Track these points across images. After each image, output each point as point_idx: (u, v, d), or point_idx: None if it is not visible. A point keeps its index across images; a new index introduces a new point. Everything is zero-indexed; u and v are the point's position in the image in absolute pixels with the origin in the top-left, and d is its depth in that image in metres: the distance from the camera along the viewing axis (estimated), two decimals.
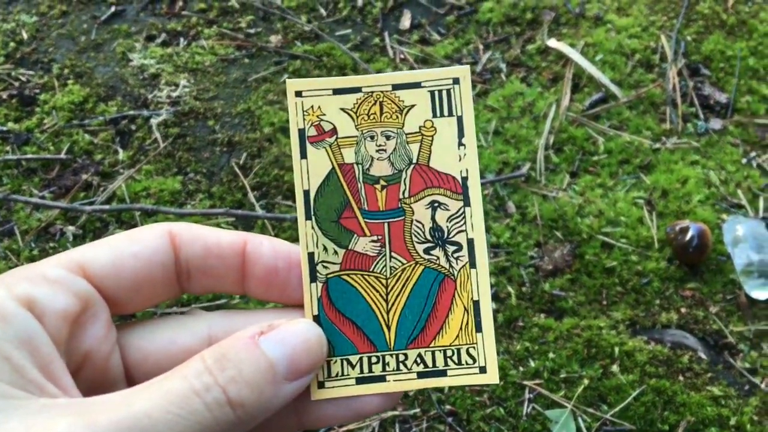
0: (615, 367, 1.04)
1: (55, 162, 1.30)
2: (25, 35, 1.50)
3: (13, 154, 1.31)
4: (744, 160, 1.28)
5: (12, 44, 1.48)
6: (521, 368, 1.04)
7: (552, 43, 1.44)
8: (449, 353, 0.45)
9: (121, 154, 1.31)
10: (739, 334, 1.08)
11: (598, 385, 1.02)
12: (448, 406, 1.01)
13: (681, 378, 1.03)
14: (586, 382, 1.02)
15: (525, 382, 1.03)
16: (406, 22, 1.53)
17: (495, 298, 1.12)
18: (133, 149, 1.32)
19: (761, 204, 1.22)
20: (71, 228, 1.21)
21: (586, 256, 1.15)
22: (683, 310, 1.10)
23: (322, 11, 1.55)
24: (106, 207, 1.20)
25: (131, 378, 0.44)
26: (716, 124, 1.34)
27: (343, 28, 1.52)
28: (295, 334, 0.41)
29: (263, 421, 0.44)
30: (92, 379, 0.42)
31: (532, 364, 1.05)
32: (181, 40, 1.50)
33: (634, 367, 1.04)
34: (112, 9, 1.55)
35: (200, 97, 1.40)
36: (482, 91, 1.40)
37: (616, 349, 1.05)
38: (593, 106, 1.36)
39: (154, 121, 1.35)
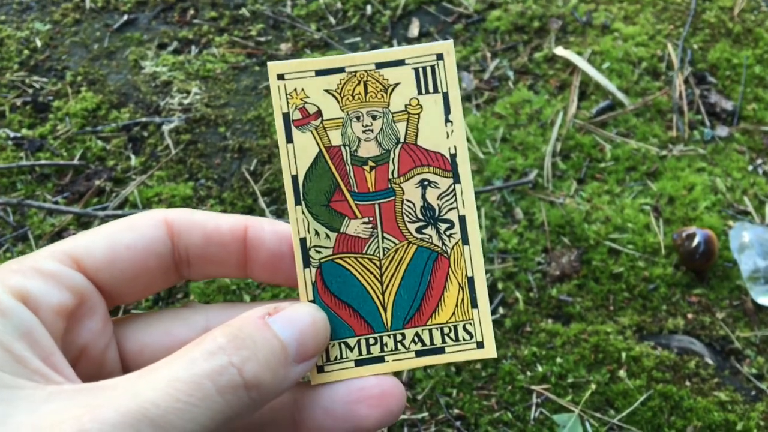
0: (622, 372, 1.04)
1: (69, 168, 1.32)
2: (38, 43, 1.52)
3: (27, 160, 1.33)
4: (750, 167, 1.29)
5: (26, 52, 1.51)
6: (529, 373, 1.05)
7: (559, 51, 1.46)
8: (446, 330, 0.44)
9: (134, 160, 1.33)
10: (745, 340, 1.09)
11: (605, 390, 1.03)
12: (456, 410, 1.02)
13: (688, 383, 1.04)
14: (593, 387, 1.03)
15: (533, 387, 1.04)
16: (414, 30, 1.55)
17: (503, 303, 1.13)
18: (145, 155, 1.34)
19: (767, 211, 1.23)
20: None
21: (593, 261, 1.16)
22: (690, 315, 1.11)
23: (332, 19, 1.56)
24: (119, 212, 1.22)
25: (128, 370, 0.42)
26: (722, 131, 1.35)
27: (352, 36, 1.53)
28: (302, 316, 0.41)
29: (261, 428, 0.43)
30: (89, 373, 0.41)
31: (540, 368, 1.05)
32: (193, 48, 1.52)
33: (641, 372, 1.04)
34: (125, 17, 1.57)
35: (211, 104, 1.41)
36: (490, 99, 1.41)
37: (623, 355, 1.06)
38: (600, 114, 1.37)
39: (165, 128, 1.37)
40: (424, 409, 1.03)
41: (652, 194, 1.25)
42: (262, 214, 1.24)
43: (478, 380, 1.05)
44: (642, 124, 1.35)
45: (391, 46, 1.51)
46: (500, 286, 1.14)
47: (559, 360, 1.06)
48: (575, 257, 1.17)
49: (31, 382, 0.35)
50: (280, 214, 1.25)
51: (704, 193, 1.24)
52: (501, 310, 1.12)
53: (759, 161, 1.30)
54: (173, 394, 0.34)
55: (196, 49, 1.52)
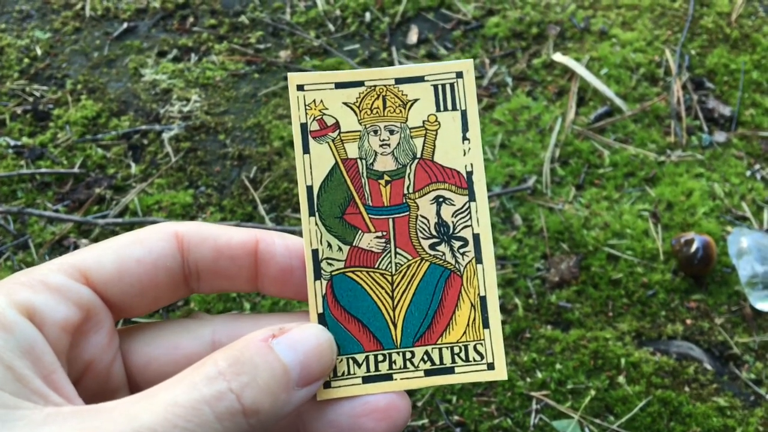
0: (621, 378, 1.05)
1: (69, 176, 1.32)
2: (39, 51, 1.53)
3: (28, 168, 1.33)
4: (748, 173, 1.30)
5: (26, 60, 1.51)
6: (528, 379, 1.06)
7: (557, 57, 1.46)
8: (457, 350, 0.44)
9: (134, 168, 1.33)
10: (744, 346, 1.09)
11: (604, 396, 1.03)
12: (456, 417, 1.03)
13: (687, 389, 1.04)
14: (592, 393, 1.03)
15: (532, 393, 1.04)
16: (413, 36, 1.55)
17: (502, 309, 1.13)
18: (145, 163, 1.34)
19: (765, 216, 1.23)
20: (84, 241, 1.23)
21: (592, 267, 1.16)
22: (689, 321, 1.11)
23: (331, 27, 1.57)
24: (119, 220, 1.22)
25: (134, 383, 0.43)
26: (720, 137, 1.35)
27: (351, 43, 1.54)
28: (307, 338, 0.40)
29: None
30: (94, 387, 0.41)
31: (539, 375, 1.06)
32: (192, 55, 1.52)
33: (640, 378, 1.05)
34: (125, 25, 1.57)
35: (211, 112, 1.42)
36: (488, 105, 1.42)
37: (623, 360, 1.06)
38: (598, 120, 1.38)
39: (165, 136, 1.38)
40: (424, 416, 1.03)
41: (650, 200, 1.26)
42: (261, 221, 1.25)
43: (477, 387, 1.05)
44: (640, 130, 1.36)
45: (390, 53, 1.51)
46: (499, 292, 1.15)
47: (558, 366, 1.06)
48: (574, 263, 1.17)
49: (30, 403, 0.34)
50: (280, 221, 1.25)
51: (702, 199, 1.25)
52: (500, 316, 1.12)
53: (757, 167, 1.31)
54: (171, 420, 0.33)
55: (196, 56, 1.52)
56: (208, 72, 1.48)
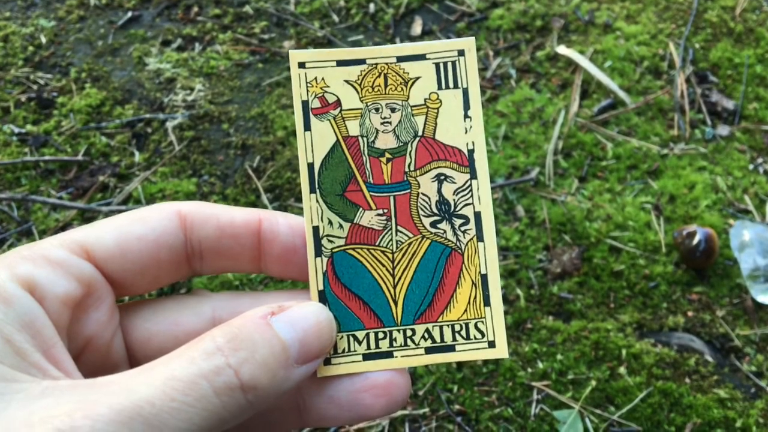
0: (622, 369, 1.05)
1: (73, 164, 1.33)
2: (43, 39, 1.53)
3: (32, 156, 1.34)
4: (751, 166, 1.30)
5: (31, 48, 1.51)
6: (529, 369, 1.06)
7: (561, 49, 1.46)
8: (457, 328, 0.43)
9: (137, 157, 1.34)
10: (745, 338, 1.09)
11: (605, 386, 1.04)
12: (457, 406, 1.03)
13: (687, 380, 1.04)
14: (593, 383, 1.04)
15: (533, 383, 1.04)
16: (417, 28, 1.55)
17: (504, 300, 1.14)
18: (149, 152, 1.34)
19: None
20: None
21: (594, 259, 1.17)
22: (690, 313, 1.12)
23: (335, 17, 1.57)
24: (123, 208, 1.22)
25: (134, 359, 0.43)
26: (723, 130, 1.35)
27: (355, 34, 1.54)
28: (306, 316, 0.40)
29: (265, 417, 0.42)
30: (94, 363, 0.41)
31: (541, 365, 1.06)
32: (197, 45, 1.52)
33: (641, 369, 1.05)
34: (129, 14, 1.57)
35: (215, 101, 1.42)
36: (492, 97, 1.42)
37: (624, 352, 1.06)
38: (602, 112, 1.38)
39: (169, 124, 1.38)
40: (425, 405, 1.04)
41: (653, 192, 1.26)
42: None
43: (479, 376, 1.06)
44: (643, 123, 1.36)
45: (394, 44, 1.51)
46: (501, 283, 1.15)
47: (559, 357, 1.06)
48: (576, 255, 1.17)
49: (29, 376, 0.34)
50: (283, 211, 1.26)
51: (705, 192, 1.25)
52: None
53: (759, 160, 1.31)
54: (169, 393, 0.33)
55: (200, 46, 1.52)
56: (212, 61, 1.48)
